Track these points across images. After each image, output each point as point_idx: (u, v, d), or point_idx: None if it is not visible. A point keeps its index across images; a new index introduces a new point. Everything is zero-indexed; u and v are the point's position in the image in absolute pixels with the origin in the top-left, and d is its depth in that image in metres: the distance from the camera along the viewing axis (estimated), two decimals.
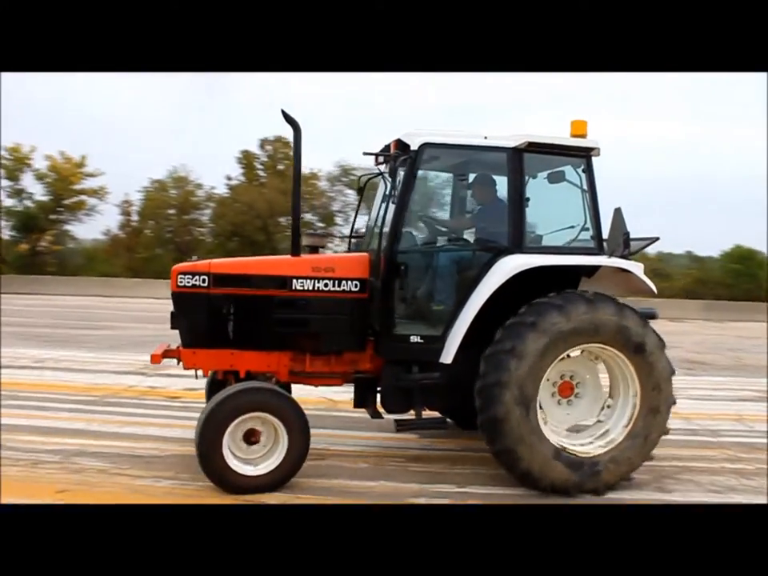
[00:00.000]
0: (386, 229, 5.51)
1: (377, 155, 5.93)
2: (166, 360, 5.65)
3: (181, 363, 5.58)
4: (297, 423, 5.06)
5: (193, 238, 50.22)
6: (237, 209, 46.06)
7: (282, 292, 5.50)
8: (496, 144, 5.54)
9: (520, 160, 5.46)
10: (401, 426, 5.61)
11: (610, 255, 5.58)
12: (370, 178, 6.49)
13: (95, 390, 8.37)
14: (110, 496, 4.85)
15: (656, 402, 5.38)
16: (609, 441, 5.43)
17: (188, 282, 5.45)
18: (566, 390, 5.55)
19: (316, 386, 6.02)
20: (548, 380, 5.36)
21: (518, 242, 5.44)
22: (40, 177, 45.66)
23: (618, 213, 5.65)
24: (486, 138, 5.57)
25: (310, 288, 5.52)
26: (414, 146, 5.35)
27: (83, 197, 46.26)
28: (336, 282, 5.53)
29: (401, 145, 5.54)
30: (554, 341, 5.12)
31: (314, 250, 5.89)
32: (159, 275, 41.34)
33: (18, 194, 45.97)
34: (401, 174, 5.41)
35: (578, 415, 5.61)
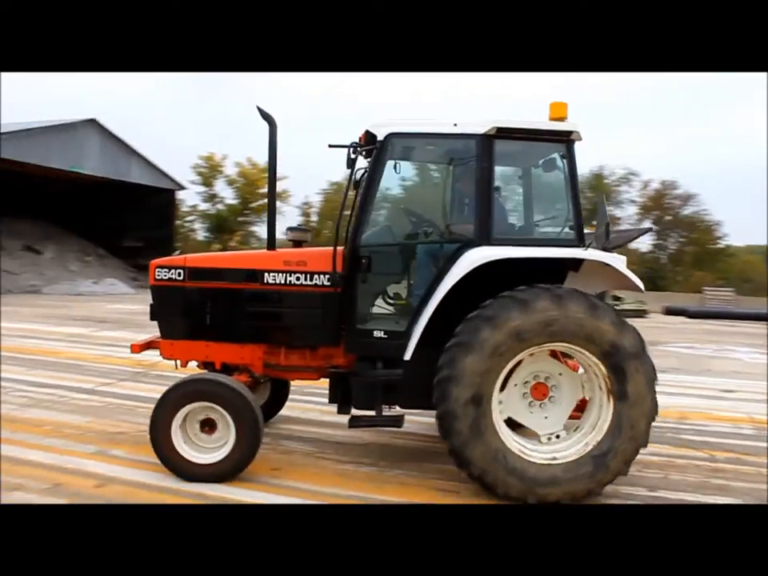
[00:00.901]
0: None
1: (343, 147, 5.50)
2: None
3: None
4: (245, 415, 4.98)
5: None
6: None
7: (254, 285, 5.52)
8: (465, 131, 5.22)
9: (489, 147, 5.14)
10: (354, 423, 5.36)
11: (587, 247, 5.11)
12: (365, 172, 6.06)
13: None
14: (316, 477, 5.19)
15: (628, 413, 4.82)
16: (572, 451, 4.96)
17: (165, 276, 5.65)
18: (540, 393, 5.14)
19: (292, 379, 6.01)
20: (519, 383, 5.07)
21: (485, 233, 5.13)
22: (230, 182, 49.15)
23: (599, 201, 5.08)
24: (455, 125, 5.25)
25: (282, 282, 5.49)
26: (380, 137, 5.21)
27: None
28: (308, 275, 5.45)
29: (369, 136, 5.37)
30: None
31: (297, 244, 5.81)
32: None
33: (211, 198, 49.78)
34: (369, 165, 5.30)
35: (551, 420, 5.14)
